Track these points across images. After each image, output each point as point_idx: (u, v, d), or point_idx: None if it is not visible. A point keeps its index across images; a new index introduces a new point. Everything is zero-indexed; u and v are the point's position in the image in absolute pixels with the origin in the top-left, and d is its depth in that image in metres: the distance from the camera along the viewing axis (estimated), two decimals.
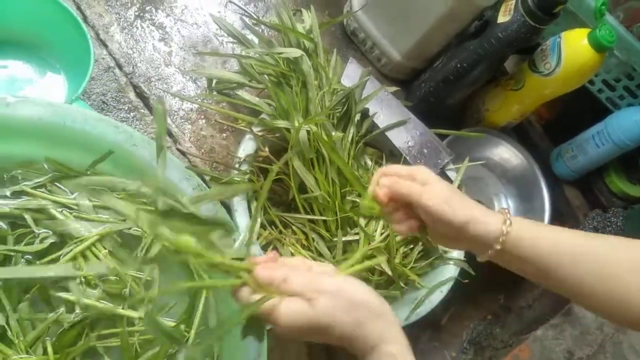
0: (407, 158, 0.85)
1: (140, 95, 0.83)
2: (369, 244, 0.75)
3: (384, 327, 0.48)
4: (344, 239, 0.76)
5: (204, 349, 0.59)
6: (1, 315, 0.51)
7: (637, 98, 0.99)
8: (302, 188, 0.76)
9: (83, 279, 0.57)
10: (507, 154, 1.05)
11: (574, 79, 0.90)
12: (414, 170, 0.60)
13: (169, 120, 0.83)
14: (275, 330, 0.47)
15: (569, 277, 0.56)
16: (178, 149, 0.81)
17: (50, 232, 0.60)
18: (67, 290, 0.55)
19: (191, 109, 0.86)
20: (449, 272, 0.81)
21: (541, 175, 1.02)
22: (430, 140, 0.88)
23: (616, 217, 1.04)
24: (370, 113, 0.85)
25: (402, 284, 0.79)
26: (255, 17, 0.97)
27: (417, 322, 0.76)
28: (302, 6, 1.00)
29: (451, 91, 0.97)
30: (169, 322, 0.61)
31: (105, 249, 0.61)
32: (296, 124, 0.74)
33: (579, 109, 1.07)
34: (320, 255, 0.77)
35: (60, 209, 0.61)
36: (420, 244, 0.82)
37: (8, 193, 0.60)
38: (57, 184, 0.62)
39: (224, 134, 0.86)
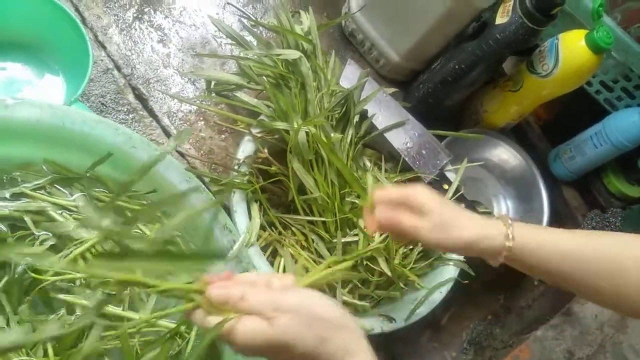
0: (406, 159, 0.85)
1: (139, 96, 0.83)
2: (369, 244, 0.75)
3: (348, 339, 0.46)
4: (343, 240, 0.76)
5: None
6: (2, 317, 0.51)
7: (634, 99, 1.00)
8: (302, 189, 0.76)
9: (84, 281, 0.57)
10: (505, 155, 1.05)
11: (571, 80, 0.91)
12: (409, 195, 0.60)
13: (168, 122, 0.83)
14: (233, 349, 0.45)
15: (582, 281, 0.57)
16: (177, 151, 0.81)
17: (50, 234, 0.60)
18: (67, 292, 0.55)
19: (190, 111, 0.86)
20: (449, 272, 0.81)
21: (540, 176, 1.02)
22: (429, 142, 0.88)
23: (614, 218, 1.05)
24: (369, 114, 0.86)
25: (401, 285, 0.79)
26: (254, 18, 0.97)
27: (417, 322, 0.76)
28: (300, 8, 1.00)
29: (449, 92, 0.97)
30: (169, 324, 0.61)
31: (105, 250, 0.61)
32: (295, 126, 0.74)
33: (577, 110, 1.07)
34: (320, 256, 0.77)
35: (59, 211, 0.61)
36: (419, 244, 0.82)
37: (7, 195, 0.60)
38: (57, 185, 0.62)
39: (223, 136, 0.86)
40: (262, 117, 0.79)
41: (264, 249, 0.74)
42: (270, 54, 0.80)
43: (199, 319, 0.45)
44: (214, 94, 0.85)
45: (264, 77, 0.81)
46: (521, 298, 0.99)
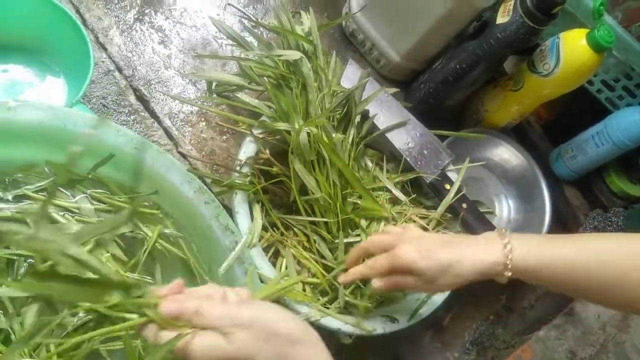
0: (408, 159, 0.85)
1: (141, 98, 0.83)
2: None
3: (310, 353, 0.45)
4: (345, 240, 0.76)
5: None
6: (5, 319, 0.51)
7: (636, 98, 0.99)
8: (303, 190, 0.76)
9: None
10: (507, 154, 1.05)
11: (572, 80, 0.91)
12: (394, 261, 0.62)
13: (169, 123, 0.83)
14: None
15: (587, 288, 0.58)
16: (179, 152, 0.81)
17: None
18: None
19: (191, 112, 0.86)
20: None
21: (541, 176, 1.02)
22: (431, 142, 0.88)
23: (617, 217, 1.04)
24: (370, 114, 0.86)
25: None
26: (254, 19, 0.97)
27: (419, 323, 0.76)
28: (300, 8, 1.00)
29: (450, 92, 0.97)
30: None
31: (107, 252, 0.61)
32: (296, 126, 0.74)
33: (578, 109, 1.07)
34: (322, 257, 0.77)
35: (62, 213, 0.61)
36: None
37: (10, 197, 0.60)
38: (59, 187, 0.62)
39: (225, 137, 0.86)
40: (263, 117, 0.79)
41: (265, 249, 0.74)
42: (271, 55, 0.80)
43: (151, 334, 0.44)
44: (215, 95, 0.85)
45: (265, 78, 0.81)
46: (523, 298, 0.99)
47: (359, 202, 0.78)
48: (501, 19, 0.86)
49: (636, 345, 0.91)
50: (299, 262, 0.76)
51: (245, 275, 0.65)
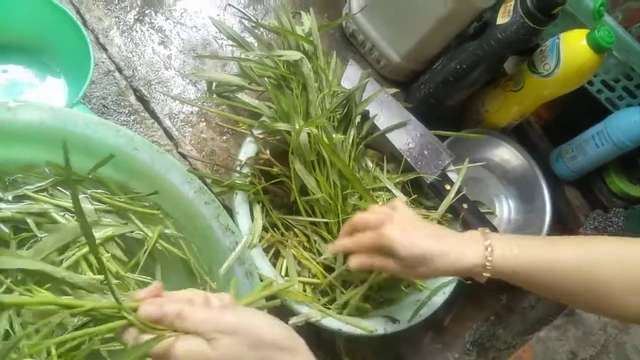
0: (408, 160, 0.85)
1: (141, 98, 0.83)
2: None
3: None
4: None
5: None
6: (5, 319, 0.51)
7: (636, 98, 0.99)
8: (304, 190, 0.76)
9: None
10: (507, 155, 1.05)
11: (573, 80, 0.91)
12: (382, 237, 0.61)
13: (169, 124, 0.83)
14: None
15: (566, 292, 0.58)
16: (179, 152, 0.81)
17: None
18: (70, 293, 0.55)
19: (191, 112, 0.86)
20: None
21: (541, 176, 1.02)
22: (431, 142, 0.88)
23: (617, 217, 1.04)
24: (371, 115, 0.85)
25: (403, 287, 0.79)
26: (255, 19, 0.97)
27: (420, 324, 0.76)
28: (301, 9, 1.00)
29: (451, 92, 0.97)
30: None
31: (107, 252, 0.61)
32: (297, 127, 0.74)
33: (578, 109, 1.07)
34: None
35: (62, 213, 0.61)
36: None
37: (10, 197, 0.60)
38: (59, 187, 0.62)
39: (225, 137, 0.86)
40: (263, 118, 0.79)
41: (266, 250, 0.74)
42: (272, 55, 0.80)
43: (131, 337, 0.43)
44: (215, 96, 0.85)
45: (265, 78, 0.81)
46: (524, 298, 0.98)
47: (359, 202, 0.78)
48: (501, 19, 0.86)
49: (637, 346, 0.91)
50: (299, 263, 0.76)
51: (246, 277, 0.65)
